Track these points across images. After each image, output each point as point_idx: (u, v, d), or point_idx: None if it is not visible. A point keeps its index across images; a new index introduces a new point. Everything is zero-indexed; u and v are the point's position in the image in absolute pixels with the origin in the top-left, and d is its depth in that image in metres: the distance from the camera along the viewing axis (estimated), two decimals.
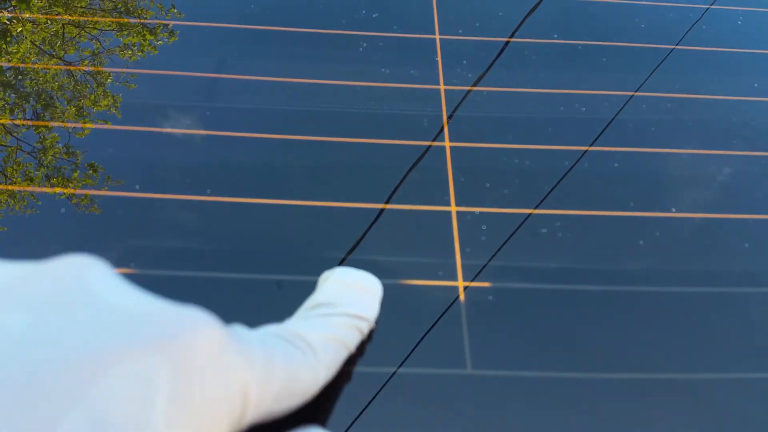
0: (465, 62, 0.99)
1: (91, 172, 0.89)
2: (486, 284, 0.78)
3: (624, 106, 0.99)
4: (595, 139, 0.93)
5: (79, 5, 1.11)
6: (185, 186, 0.87)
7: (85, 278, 0.38)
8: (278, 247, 0.80)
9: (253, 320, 0.59)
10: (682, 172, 0.92)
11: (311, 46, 1.02)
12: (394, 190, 0.85)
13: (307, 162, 0.88)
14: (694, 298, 0.81)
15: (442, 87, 0.95)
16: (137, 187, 0.85)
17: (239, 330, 0.53)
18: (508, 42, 1.05)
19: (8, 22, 1.08)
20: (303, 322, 0.62)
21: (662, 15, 1.17)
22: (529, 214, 0.84)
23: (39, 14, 1.09)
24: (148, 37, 1.07)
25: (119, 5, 1.12)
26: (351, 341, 0.64)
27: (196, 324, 0.39)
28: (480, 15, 1.09)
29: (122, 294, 0.38)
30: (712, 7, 1.19)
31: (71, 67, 1.01)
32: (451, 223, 0.82)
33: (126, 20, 1.09)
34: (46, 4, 1.12)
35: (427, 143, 0.89)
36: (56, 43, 1.04)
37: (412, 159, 0.88)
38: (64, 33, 1.06)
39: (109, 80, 1.00)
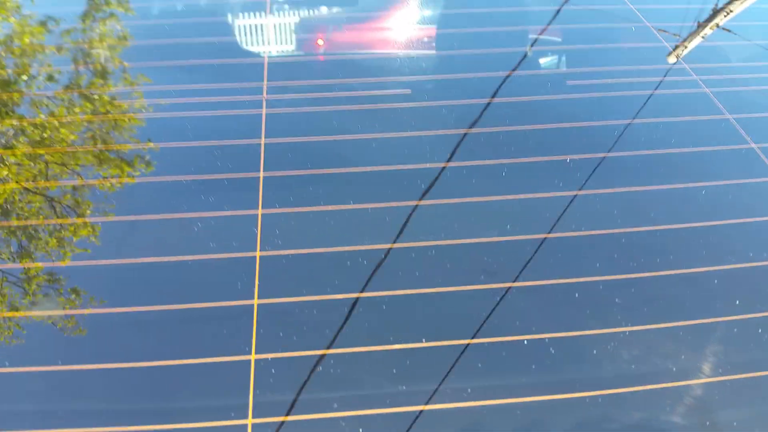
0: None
1: (74, 296, 0.96)
2: None
3: None
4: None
5: (61, 145, 1.19)
6: None
7: None
8: None
9: None
10: None
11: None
12: None
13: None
14: None
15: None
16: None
17: None
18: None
19: None
20: None
21: None
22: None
23: (23, 158, 1.18)
24: (126, 168, 1.15)
25: (99, 142, 1.20)
26: None
27: None
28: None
29: None
30: None
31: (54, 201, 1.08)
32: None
33: (105, 154, 1.16)
34: (30, 148, 1.20)
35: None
36: (40, 180, 1.12)
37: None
38: (47, 171, 1.14)
39: (88, 211, 1.09)
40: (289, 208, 1.13)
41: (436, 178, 1.19)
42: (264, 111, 1.29)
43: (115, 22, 1.51)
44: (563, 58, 1.51)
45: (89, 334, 0.96)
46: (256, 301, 0.99)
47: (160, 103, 1.33)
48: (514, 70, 1.43)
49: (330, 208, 1.13)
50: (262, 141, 1.23)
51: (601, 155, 1.24)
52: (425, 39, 1.55)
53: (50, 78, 1.33)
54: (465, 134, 1.28)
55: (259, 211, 1.12)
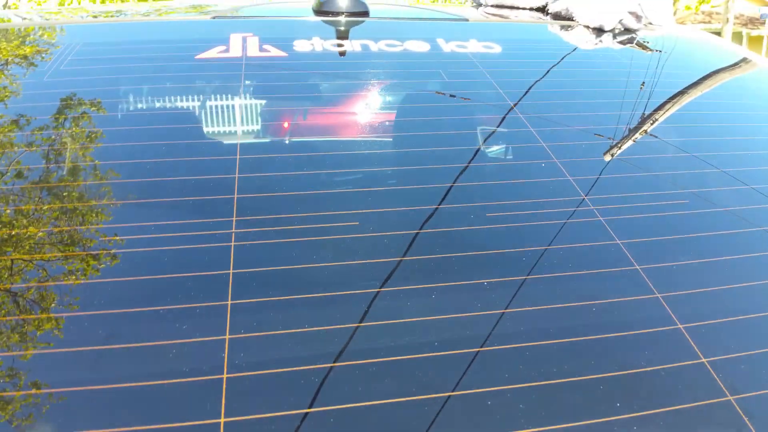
0: None
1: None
2: None
3: None
4: None
5: (27, 243, 1.21)
6: None
7: None
8: None
9: None
10: None
11: None
12: None
13: None
14: None
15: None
16: None
17: None
18: None
19: None
20: None
21: None
22: None
23: None
24: (91, 262, 1.16)
25: (65, 238, 1.24)
26: None
27: None
28: None
29: None
30: None
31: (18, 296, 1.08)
32: None
33: (72, 249, 1.17)
34: None
35: None
36: (3, 274, 1.11)
37: None
38: (12, 266, 1.14)
39: (52, 305, 1.08)
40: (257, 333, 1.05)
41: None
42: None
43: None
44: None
45: None
46: None
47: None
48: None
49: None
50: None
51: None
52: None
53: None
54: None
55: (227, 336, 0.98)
